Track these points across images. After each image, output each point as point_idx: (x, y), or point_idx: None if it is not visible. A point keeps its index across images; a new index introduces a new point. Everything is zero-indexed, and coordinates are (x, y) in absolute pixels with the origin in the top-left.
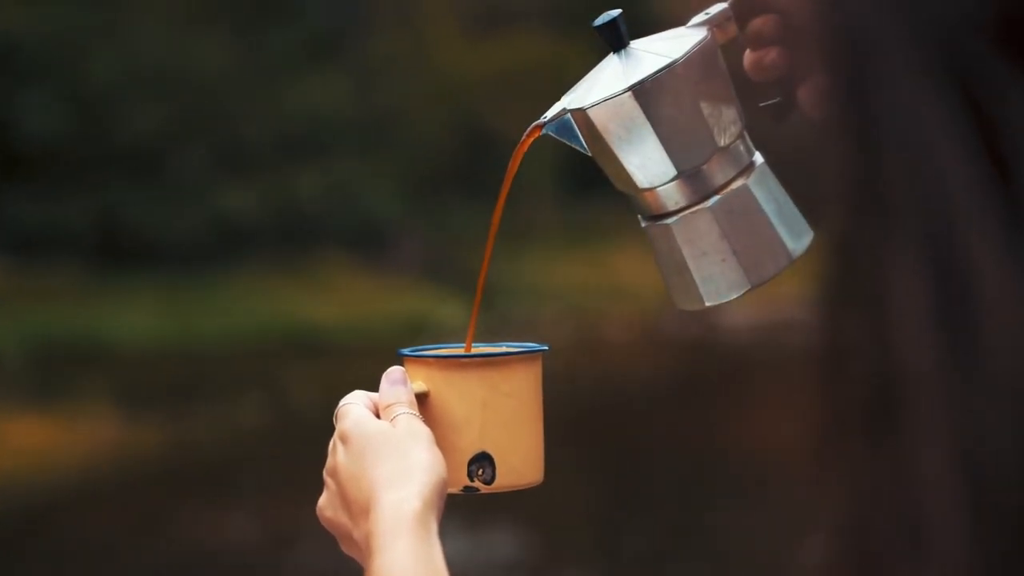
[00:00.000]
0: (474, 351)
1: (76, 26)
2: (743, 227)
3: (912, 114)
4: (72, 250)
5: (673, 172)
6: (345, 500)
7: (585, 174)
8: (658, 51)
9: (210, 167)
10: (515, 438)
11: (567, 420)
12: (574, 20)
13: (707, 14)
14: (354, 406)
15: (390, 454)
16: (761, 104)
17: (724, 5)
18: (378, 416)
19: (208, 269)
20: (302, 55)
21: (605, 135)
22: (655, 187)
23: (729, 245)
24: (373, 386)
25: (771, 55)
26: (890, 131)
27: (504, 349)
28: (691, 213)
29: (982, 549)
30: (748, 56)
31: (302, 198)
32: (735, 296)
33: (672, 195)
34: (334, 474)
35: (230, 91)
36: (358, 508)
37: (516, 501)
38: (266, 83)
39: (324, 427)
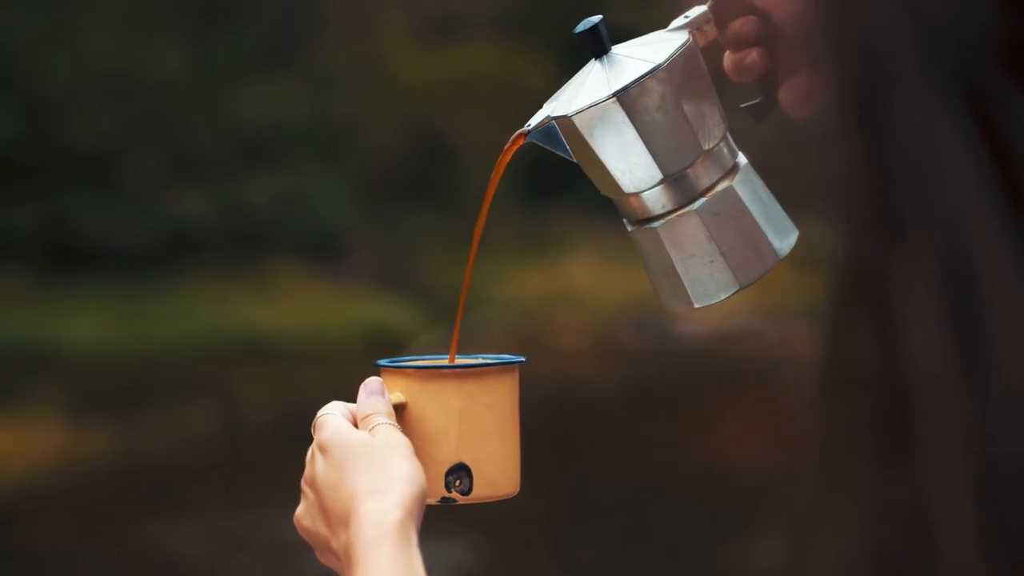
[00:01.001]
0: (449, 362)
1: (27, 30)
2: (730, 228)
3: (924, 131)
4: (21, 255)
5: (659, 176)
6: (324, 510)
7: (539, 183)
8: (640, 56)
9: (162, 173)
10: (492, 449)
11: (520, 429)
12: (527, 28)
13: (687, 17)
14: (332, 416)
15: (370, 464)
16: (742, 105)
17: (704, 8)
18: (356, 427)
19: (159, 275)
20: (254, 61)
21: (590, 141)
22: (641, 191)
23: (717, 247)
24: (328, 393)
25: (751, 56)
26: (902, 148)
27: (481, 360)
28: (678, 216)
29: (996, 561)
30: (728, 57)
31: (254, 204)
32: (724, 297)
33: (658, 199)
34: (312, 484)
35: (182, 97)
36: (337, 518)
37: (471, 510)
38: (218, 89)
39: (276, 435)
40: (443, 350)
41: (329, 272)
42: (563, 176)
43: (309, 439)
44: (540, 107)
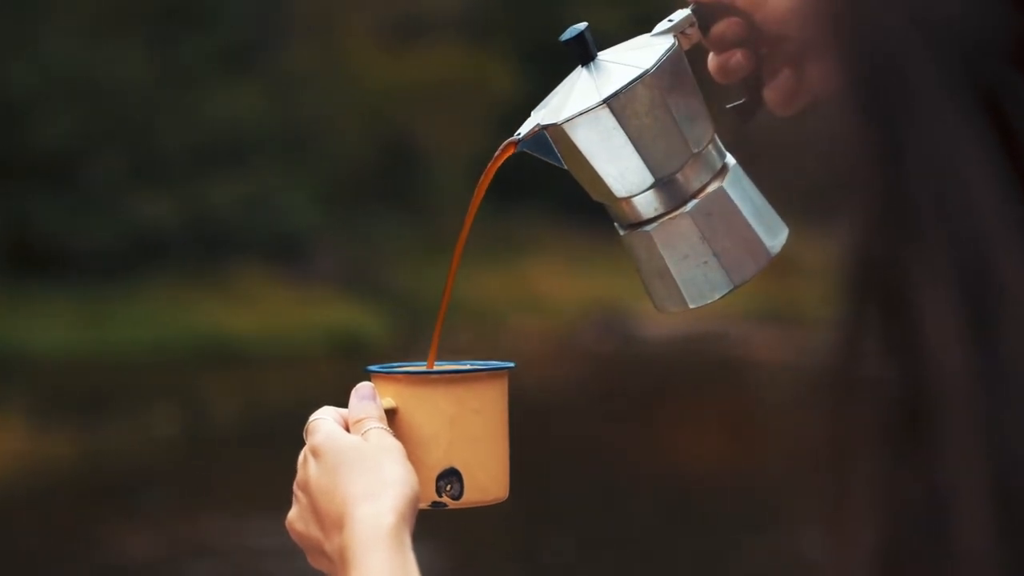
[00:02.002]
0: (440, 368)
1: None
2: (722, 229)
3: (938, 130)
4: None
5: (651, 180)
6: (317, 514)
7: (503, 187)
8: (627, 61)
9: (126, 176)
10: (482, 454)
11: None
12: (491, 31)
13: (671, 21)
14: (324, 421)
15: (363, 468)
16: (728, 106)
17: (687, 12)
18: (348, 431)
19: (123, 279)
20: (219, 64)
21: (581, 148)
22: (633, 196)
23: (710, 247)
24: (292, 396)
25: (736, 57)
26: (916, 148)
27: (470, 366)
28: (670, 219)
29: (1012, 559)
30: (712, 59)
31: (219, 208)
32: (719, 296)
33: (650, 202)
34: (305, 488)
35: (145, 100)
36: (331, 522)
37: (436, 515)
38: (182, 93)
39: (240, 438)
40: (412, 355)
41: (293, 276)
42: (527, 180)
43: (275, 442)
44: (505, 110)
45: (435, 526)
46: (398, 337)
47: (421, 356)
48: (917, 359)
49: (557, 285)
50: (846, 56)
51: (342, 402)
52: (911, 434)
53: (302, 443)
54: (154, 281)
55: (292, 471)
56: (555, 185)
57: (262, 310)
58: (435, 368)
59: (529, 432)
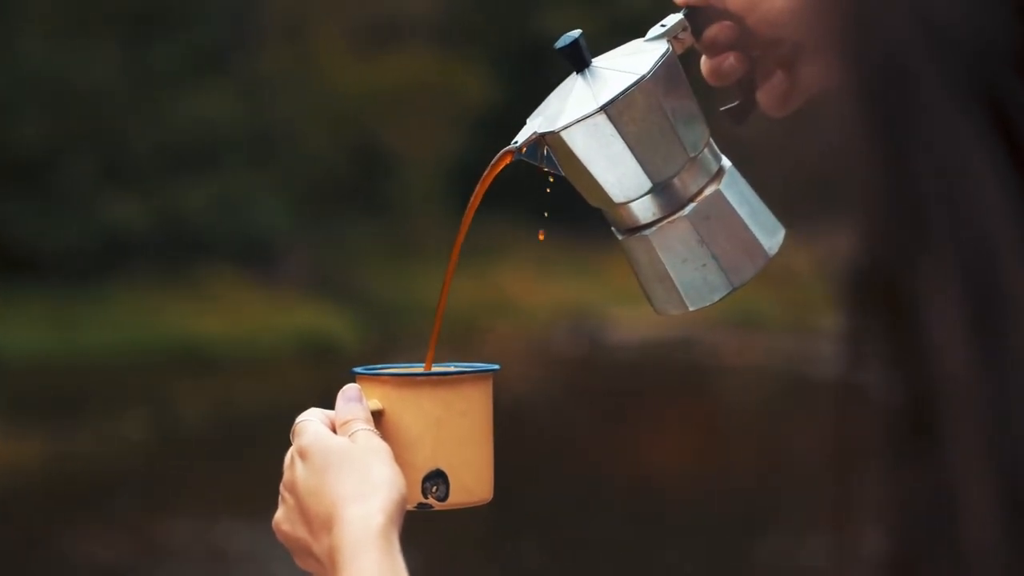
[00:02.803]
0: (425, 370)
1: None
2: (720, 231)
3: (946, 136)
4: None
5: (648, 185)
6: (305, 515)
7: (472, 191)
8: (622, 68)
9: (96, 179)
10: (468, 456)
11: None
12: (462, 36)
13: (663, 26)
14: (312, 422)
15: (352, 469)
16: (721, 108)
17: (680, 16)
18: (335, 432)
19: (93, 282)
20: (190, 67)
21: (579, 155)
22: (631, 201)
23: (708, 250)
24: (262, 400)
25: (729, 60)
26: (924, 153)
27: (455, 368)
28: (668, 223)
29: (1020, 559)
30: (706, 63)
31: (189, 211)
32: (718, 298)
33: (648, 207)
34: (292, 489)
35: (116, 103)
36: (319, 523)
37: (406, 516)
38: (152, 95)
39: (210, 442)
40: (384, 360)
41: (264, 279)
42: (499, 186)
43: (245, 446)
44: (476, 116)
45: (407, 529)
46: (368, 341)
47: (393, 360)
48: (923, 362)
49: (528, 290)
50: (850, 60)
51: (317, 405)
52: (917, 437)
53: (273, 446)
54: (125, 284)
55: (263, 474)
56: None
57: (232, 313)
58: (420, 370)
59: (500, 436)
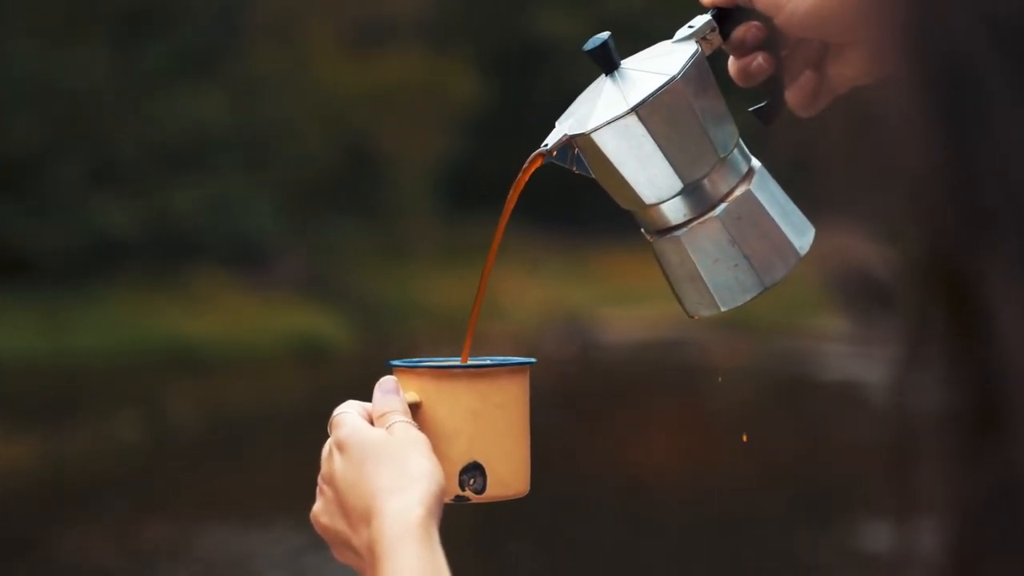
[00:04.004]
0: (462, 363)
1: None
2: (751, 231)
3: (1012, 130)
4: None
5: (679, 186)
6: (343, 507)
7: (463, 193)
8: (652, 69)
9: (86, 181)
10: (505, 449)
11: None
12: (452, 37)
13: (691, 27)
14: (349, 415)
15: (390, 461)
16: (750, 109)
17: (708, 17)
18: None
19: (84, 284)
20: (180, 69)
21: (610, 157)
22: (662, 202)
23: (740, 250)
24: (254, 401)
25: (757, 60)
26: (991, 148)
27: (491, 361)
28: (700, 223)
29: None
30: (733, 63)
31: (179, 213)
32: (750, 298)
33: (680, 208)
34: (331, 481)
35: (106, 104)
36: (358, 515)
37: None
38: (143, 97)
39: (202, 444)
40: (374, 360)
41: (254, 281)
42: (487, 186)
43: (237, 448)
44: (466, 116)
45: None
46: (359, 342)
47: (385, 360)
48: (989, 358)
49: (518, 291)
50: (914, 56)
51: (309, 406)
52: (981, 434)
53: (266, 447)
54: (116, 286)
55: (256, 475)
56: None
57: (223, 315)
58: (457, 363)
59: None
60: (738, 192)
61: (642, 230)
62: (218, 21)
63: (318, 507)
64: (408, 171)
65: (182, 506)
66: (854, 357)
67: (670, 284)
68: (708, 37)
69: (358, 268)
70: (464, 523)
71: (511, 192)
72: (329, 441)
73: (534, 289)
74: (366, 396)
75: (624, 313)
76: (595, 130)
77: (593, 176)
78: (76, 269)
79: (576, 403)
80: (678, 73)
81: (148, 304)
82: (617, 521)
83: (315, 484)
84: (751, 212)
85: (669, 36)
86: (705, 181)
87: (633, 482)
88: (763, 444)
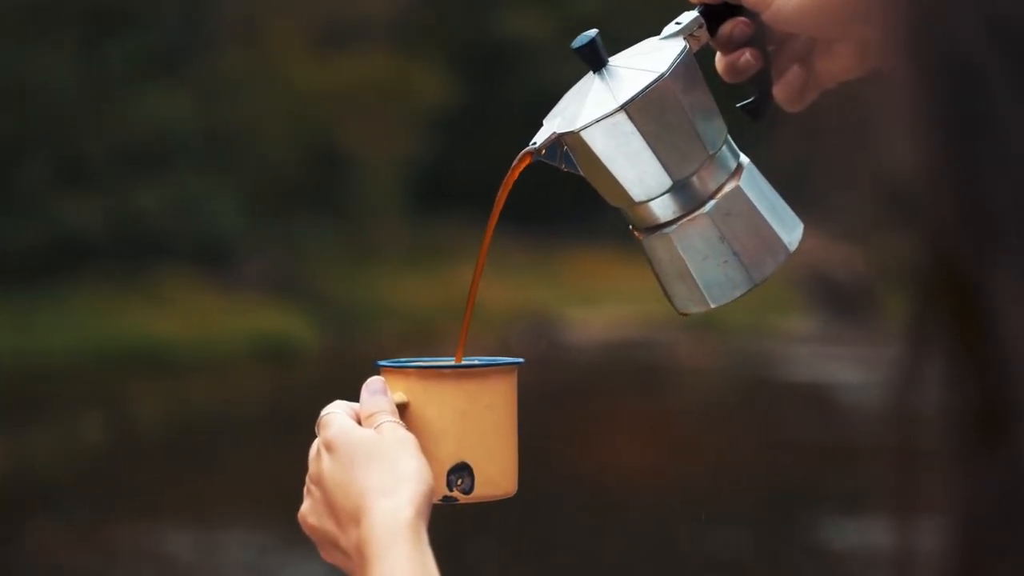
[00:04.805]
0: (450, 363)
1: None
2: (741, 228)
3: (1012, 129)
4: None
5: (669, 183)
6: (332, 508)
7: (430, 193)
8: (640, 66)
9: (51, 180)
10: (493, 449)
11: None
12: (419, 37)
13: (678, 24)
14: (337, 415)
15: (379, 461)
16: (738, 105)
17: (695, 13)
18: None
19: (49, 283)
20: (146, 67)
21: (599, 154)
22: (652, 199)
23: (730, 247)
24: (220, 402)
25: (744, 56)
26: (997, 151)
27: (479, 361)
28: (689, 220)
29: None
30: (721, 60)
31: (145, 212)
32: (740, 295)
33: (669, 205)
34: (319, 482)
35: (71, 103)
36: (347, 516)
37: None
38: (108, 96)
39: (167, 444)
40: (341, 361)
41: (221, 281)
42: (454, 186)
43: (202, 448)
44: (433, 116)
45: None
46: (326, 342)
47: (352, 361)
48: (994, 360)
49: (486, 291)
50: (917, 58)
51: (270, 406)
52: (986, 436)
53: (232, 447)
54: (80, 286)
55: (220, 476)
56: (483, 191)
57: (189, 315)
58: (445, 363)
59: None
60: (727, 189)
61: (630, 227)
62: (185, 20)
63: (306, 507)
64: (375, 171)
65: (147, 506)
66: (820, 358)
67: (659, 282)
68: (695, 33)
69: (325, 268)
70: (432, 522)
71: (500, 191)
72: (317, 441)
73: (500, 289)
74: (333, 396)
75: (590, 313)
76: (584, 128)
77: (582, 174)
78: (41, 268)
79: (541, 403)
80: (667, 70)
81: (114, 304)
82: (582, 521)
83: (283, 484)
84: (740, 208)
85: (635, 36)
86: (694, 178)
87: (598, 482)
88: (729, 444)
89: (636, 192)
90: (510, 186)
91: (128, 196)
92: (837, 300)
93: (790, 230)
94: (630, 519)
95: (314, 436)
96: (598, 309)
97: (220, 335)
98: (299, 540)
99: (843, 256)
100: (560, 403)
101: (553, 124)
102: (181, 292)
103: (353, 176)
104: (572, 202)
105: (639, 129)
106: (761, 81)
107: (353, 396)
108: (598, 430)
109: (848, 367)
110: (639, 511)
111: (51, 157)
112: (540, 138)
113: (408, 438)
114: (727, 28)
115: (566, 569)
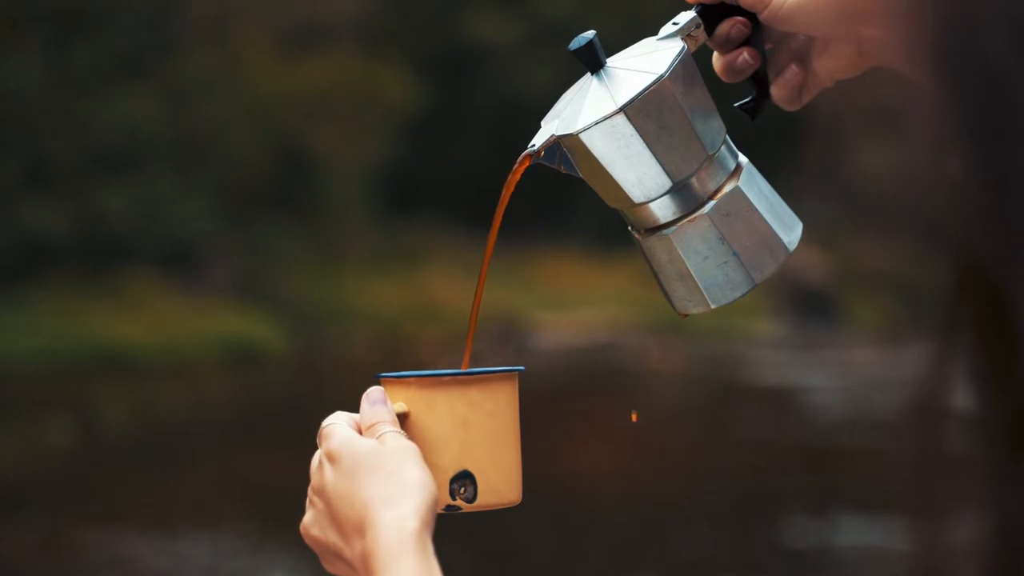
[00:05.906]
0: (450, 371)
1: None
2: (740, 228)
3: None
4: None
5: (668, 184)
6: (335, 519)
7: (398, 196)
8: (638, 67)
9: (16, 183)
10: (496, 457)
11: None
12: (386, 40)
13: (676, 24)
14: (339, 426)
15: (383, 471)
16: (736, 104)
17: (692, 14)
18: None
19: (13, 287)
20: (111, 72)
21: (599, 156)
22: (651, 200)
23: (729, 247)
24: (185, 406)
25: (742, 56)
26: (1018, 153)
27: (479, 369)
28: (689, 221)
29: None
30: (718, 60)
31: (111, 216)
32: (740, 295)
33: (668, 206)
34: (321, 493)
35: (37, 105)
36: (351, 527)
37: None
38: (73, 99)
39: (132, 447)
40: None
41: (186, 284)
42: (422, 189)
43: (167, 453)
44: (399, 119)
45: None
46: (292, 345)
47: (319, 364)
48: (1022, 364)
49: (453, 294)
50: (944, 64)
51: (238, 409)
52: (1015, 438)
53: (197, 451)
54: (46, 289)
55: (185, 480)
56: (451, 195)
57: (155, 319)
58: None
59: None
60: (727, 189)
61: (630, 228)
62: (152, 23)
63: (308, 519)
64: (342, 174)
65: (112, 510)
66: (788, 361)
67: (659, 283)
68: (693, 34)
69: (292, 271)
70: None
71: (503, 193)
72: (319, 452)
73: (469, 293)
74: (299, 399)
75: (559, 317)
76: (584, 130)
77: (581, 176)
78: (6, 271)
79: None
80: (666, 71)
81: (79, 307)
82: (550, 524)
83: (249, 487)
84: (740, 209)
85: (602, 40)
86: (693, 179)
87: (567, 485)
88: (696, 447)
89: (636, 194)
90: (512, 189)
91: (94, 199)
92: (805, 305)
93: (790, 230)
94: (599, 522)
95: (280, 439)
96: (567, 313)
97: (186, 338)
98: (265, 544)
99: (812, 261)
100: (529, 407)
101: (552, 126)
102: (147, 295)
103: (320, 179)
104: (542, 207)
105: (638, 130)
106: (759, 81)
107: (321, 399)
108: (567, 433)
109: (816, 371)
110: (608, 514)
111: (18, 160)
112: (539, 140)
113: (411, 448)
114: (724, 28)
115: (534, 573)
